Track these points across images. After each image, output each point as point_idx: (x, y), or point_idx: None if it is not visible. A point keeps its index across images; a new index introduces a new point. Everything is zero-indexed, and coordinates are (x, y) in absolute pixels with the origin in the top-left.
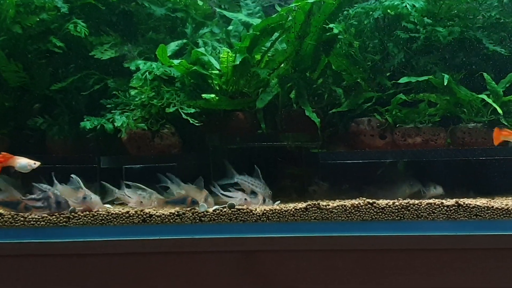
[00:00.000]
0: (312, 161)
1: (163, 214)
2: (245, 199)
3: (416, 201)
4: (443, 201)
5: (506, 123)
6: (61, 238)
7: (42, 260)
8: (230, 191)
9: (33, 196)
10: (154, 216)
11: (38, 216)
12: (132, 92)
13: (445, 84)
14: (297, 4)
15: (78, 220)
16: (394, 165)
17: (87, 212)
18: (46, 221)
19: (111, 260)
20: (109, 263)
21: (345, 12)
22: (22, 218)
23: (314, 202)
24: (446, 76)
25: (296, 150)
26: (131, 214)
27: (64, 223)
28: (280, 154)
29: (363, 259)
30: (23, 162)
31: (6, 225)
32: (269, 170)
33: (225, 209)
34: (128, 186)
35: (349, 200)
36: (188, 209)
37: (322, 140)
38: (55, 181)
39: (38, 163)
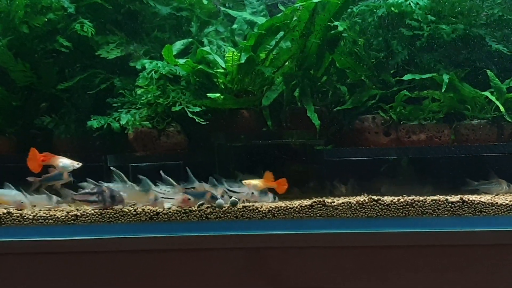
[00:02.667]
0: (317, 158)
1: (170, 212)
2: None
3: (421, 198)
4: (448, 197)
5: (510, 120)
6: (69, 236)
7: (51, 258)
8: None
9: (86, 190)
10: (161, 214)
11: (94, 210)
12: (138, 91)
13: (444, 84)
14: (302, 3)
15: (86, 218)
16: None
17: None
18: (54, 219)
19: (118, 257)
20: (117, 260)
21: (349, 10)
22: (31, 216)
23: (319, 199)
24: (446, 76)
25: (301, 147)
26: (138, 212)
27: (72, 221)
28: (285, 152)
29: (368, 255)
30: (66, 162)
31: (15, 224)
32: (274, 167)
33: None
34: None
35: (354, 197)
36: (208, 204)
37: (327, 137)
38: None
39: (80, 164)
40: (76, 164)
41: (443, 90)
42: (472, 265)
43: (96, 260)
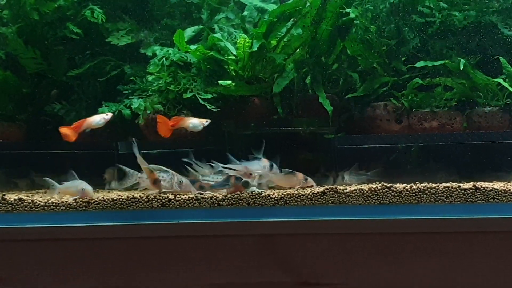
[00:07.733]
0: (328, 145)
1: (182, 199)
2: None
3: (434, 185)
4: (461, 184)
5: None
6: (80, 222)
7: (62, 244)
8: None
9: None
10: (172, 200)
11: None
12: (149, 78)
13: (461, 69)
14: None
15: (98, 205)
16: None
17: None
18: (65, 205)
19: (130, 244)
20: (128, 247)
21: None
22: (42, 203)
23: (332, 186)
24: (462, 60)
25: (312, 135)
26: (150, 199)
27: (84, 208)
28: (296, 139)
29: (381, 242)
30: (195, 122)
31: (26, 210)
32: (285, 155)
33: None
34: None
35: (367, 184)
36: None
37: (338, 125)
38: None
39: (209, 121)
40: (205, 122)
41: (461, 69)
42: (484, 251)
43: (107, 247)
